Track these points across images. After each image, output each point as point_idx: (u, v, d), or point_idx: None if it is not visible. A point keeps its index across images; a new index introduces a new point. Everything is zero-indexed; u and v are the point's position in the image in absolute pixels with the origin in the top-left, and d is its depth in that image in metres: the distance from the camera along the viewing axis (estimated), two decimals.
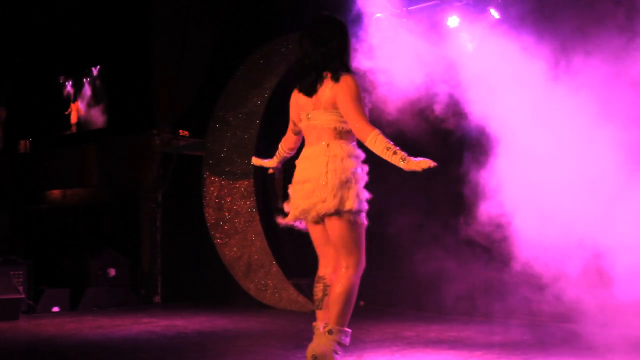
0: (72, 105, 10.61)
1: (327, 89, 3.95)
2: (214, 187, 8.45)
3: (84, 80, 10.44)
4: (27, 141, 10.64)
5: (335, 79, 3.93)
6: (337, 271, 3.97)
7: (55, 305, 7.95)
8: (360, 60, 5.53)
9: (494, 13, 6.23)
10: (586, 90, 5.17)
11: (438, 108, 6.09)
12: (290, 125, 4.28)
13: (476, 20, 6.27)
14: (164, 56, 8.75)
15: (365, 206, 3.95)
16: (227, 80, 8.49)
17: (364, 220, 3.95)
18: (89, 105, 10.41)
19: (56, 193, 10.52)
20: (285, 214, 4.09)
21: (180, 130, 8.97)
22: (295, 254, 8.57)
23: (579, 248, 5.20)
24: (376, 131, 3.80)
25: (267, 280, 8.08)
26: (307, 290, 7.74)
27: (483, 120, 5.72)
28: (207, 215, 8.42)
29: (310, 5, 7.09)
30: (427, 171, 3.67)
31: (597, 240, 5.11)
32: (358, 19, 5.92)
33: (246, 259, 8.24)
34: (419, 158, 3.67)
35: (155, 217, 8.82)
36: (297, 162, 4.11)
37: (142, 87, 9.08)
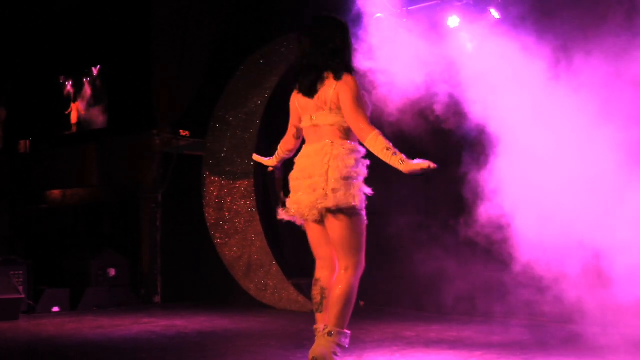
0: (72, 105, 10.61)
1: (330, 89, 3.93)
2: (214, 187, 8.45)
3: (84, 80, 10.43)
4: (27, 141, 10.64)
5: (337, 78, 3.92)
6: (336, 273, 3.97)
7: (55, 305, 7.95)
8: (360, 61, 5.52)
9: (494, 13, 6.23)
10: (586, 90, 5.17)
11: (438, 108, 6.09)
12: (290, 129, 4.26)
13: (476, 20, 6.27)
14: (164, 56, 8.75)
15: (364, 201, 3.94)
16: (227, 80, 8.49)
17: (364, 218, 3.94)
18: (89, 105, 10.41)
19: (56, 193, 10.52)
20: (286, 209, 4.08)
21: (181, 130, 8.97)
22: (296, 254, 8.57)
23: (579, 248, 5.19)
24: (376, 131, 3.80)
25: (267, 280, 8.08)
26: (307, 290, 7.73)
27: (483, 120, 5.71)
28: (207, 215, 8.42)
29: (310, 5, 7.09)
30: (427, 172, 3.67)
31: (597, 240, 5.10)
32: (358, 19, 5.91)
33: (246, 259, 8.24)
34: (417, 160, 3.67)
35: (155, 217, 8.82)
36: (297, 158, 4.09)
37: (142, 87, 9.08)
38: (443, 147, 6.78)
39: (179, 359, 4.96)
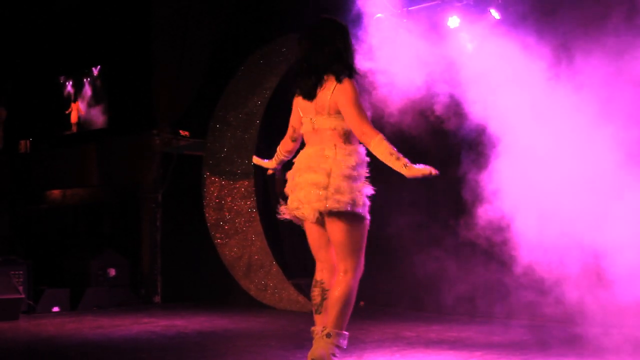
0: (73, 105, 10.61)
1: (329, 92, 3.92)
2: (214, 187, 8.45)
3: (84, 80, 10.43)
4: (27, 141, 10.64)
5: (339, 81, 3.90)
6: (336, 275, 3.96)
7: (55, 305, 7.95)
8: (360, 61, 5.52)
9: (495, 13, 6.23)
10: (586, 89, 5.17)
11: (438, 108, 6.09)
12: (289, 131, 4.25)
13: (476, 20, 6.27)
14: (164, 56, 8.74)
15: (367, 202, 3.93)
16: (227, 80, 8.49)
17: (366, 218, 3.93)
18: (89, 105, 10.41)
19: (56, 193, 10.52)
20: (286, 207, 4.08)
21: (181, 130, 8.97)
22: (296, 254, 8.57)
23: (579, 248, 5.19)
24: (380, 136, 3.80)
25: (267, 281, 8.08)
26: (307, 290, 7.72)
27: (483, 121, 5.71)
28: (207, 215, 8.41)
29: (310, 6, 7.09)
30: (428, 178, 3.70)
31: (597, 240, 5.10)
32: (358, 19, 5.91)
33: (246, 259, 8.24)
34: (421, 165, 3.67)
35: (155, 217, 8.81)
36: (296, 159, 4.08)
37: (142, 87, 9.08)
38: (443, 148, 6.78)
39: (179, 359, 4.96)
